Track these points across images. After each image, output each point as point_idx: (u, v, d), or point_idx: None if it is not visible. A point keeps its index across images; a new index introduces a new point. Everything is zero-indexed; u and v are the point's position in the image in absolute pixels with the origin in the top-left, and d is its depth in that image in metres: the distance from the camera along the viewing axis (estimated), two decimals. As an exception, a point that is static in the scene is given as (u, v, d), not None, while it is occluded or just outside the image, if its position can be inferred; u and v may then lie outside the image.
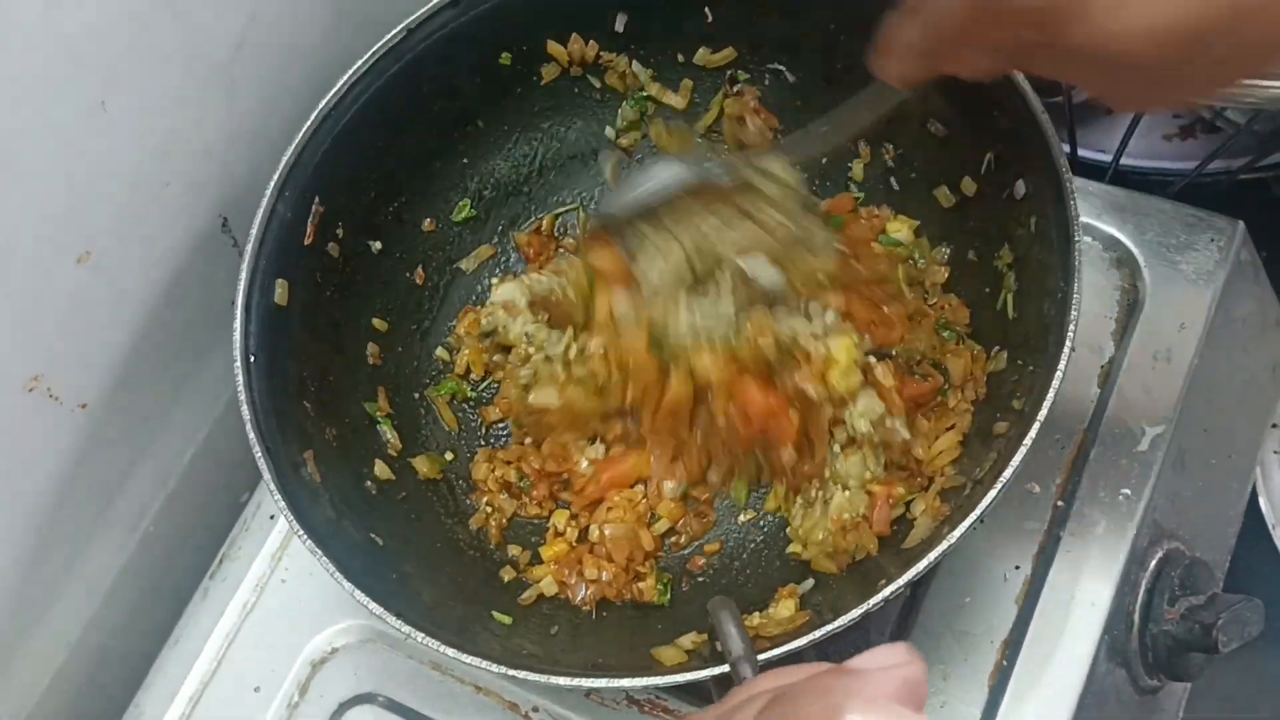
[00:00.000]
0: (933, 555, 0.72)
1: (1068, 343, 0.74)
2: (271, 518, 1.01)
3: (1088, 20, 0.55)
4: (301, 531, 0.78)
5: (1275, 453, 1.10)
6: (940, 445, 0.85)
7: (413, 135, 0.96)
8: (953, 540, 0.72)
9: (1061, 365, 0.74)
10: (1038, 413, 0.74)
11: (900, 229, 0.95)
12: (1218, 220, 0.95)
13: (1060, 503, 0.89)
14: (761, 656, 0.71)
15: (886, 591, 0.72)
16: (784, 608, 0.81)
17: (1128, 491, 0.88)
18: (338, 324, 0.93)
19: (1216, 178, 1.10)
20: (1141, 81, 0.59)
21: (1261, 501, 1.09)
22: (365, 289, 0.96)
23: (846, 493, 0.85)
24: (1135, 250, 0.95)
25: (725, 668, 0.70)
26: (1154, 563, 0.89)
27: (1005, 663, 0.85)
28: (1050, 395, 0.74)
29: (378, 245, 0.96)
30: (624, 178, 0.91)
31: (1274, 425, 1.11)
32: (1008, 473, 0.73)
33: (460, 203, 1.02)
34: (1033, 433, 0.73)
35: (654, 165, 0.86)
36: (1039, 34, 0.58)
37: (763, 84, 0.99)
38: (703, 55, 0.99)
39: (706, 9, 0.97)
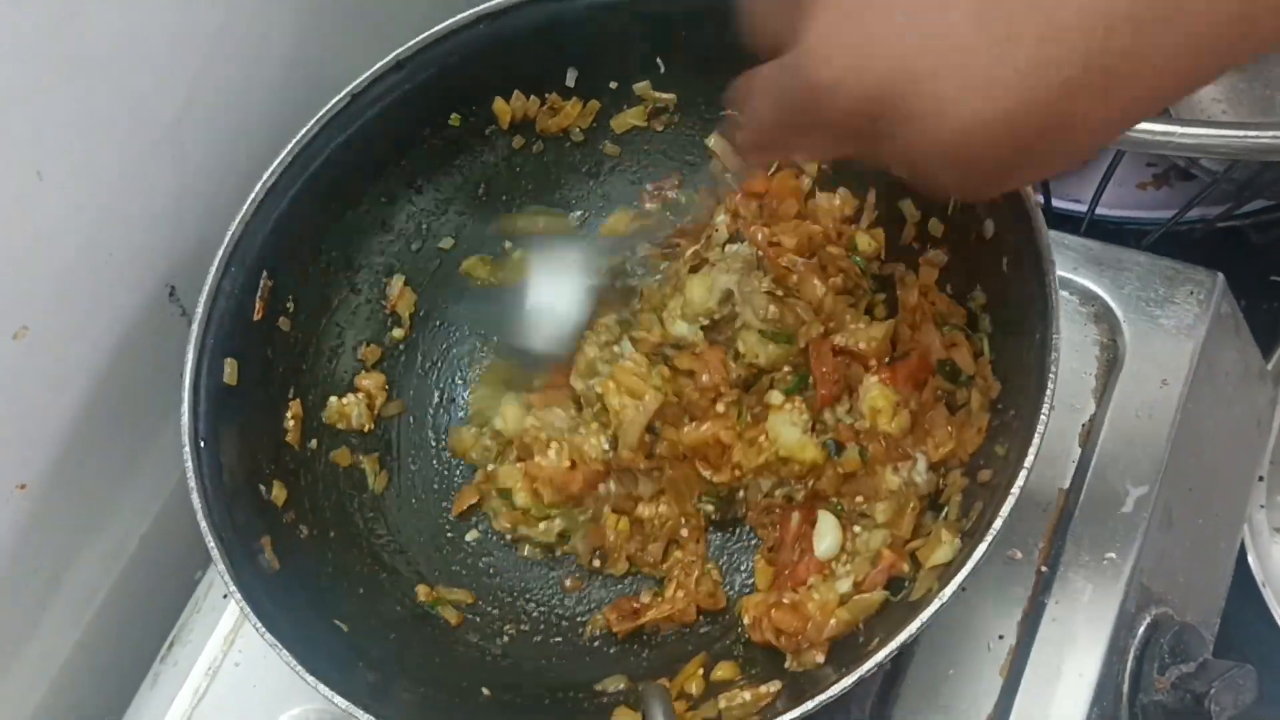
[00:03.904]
0: (926, 614, 0.69)
1: (1050, 384, 0.71)
2: (225, 597, 0.96)
3: (930, 110, 0.53)
4: (260, 625, 0.74)
5: (1262, 507, 1.08)
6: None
7: (364, 201, 0.94)
8: (944, 598, 0.69)
9: (1045, 410, 0.71)
10: (1023, 459, 0.70)
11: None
12: (1197, 273, 0.93)
13: (1044, 568, 0.86)
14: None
15: (878, 657, 0.69)
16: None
17: (1113, 555, 0.85)
18: (292, 400, 0.90)
19: (1193, 226, 1.09)
20: (974, 174, 0.56)
21: (1250, 559, 1.05)
22: (320, 362, 0.93)
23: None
24: (1114, 304, 0.93)
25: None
26: (1142, 629, 0.86)
27: (992, 739, 0.82)
28: (1036, 440, 0.70)
29: (331, 317, 0.94)
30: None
31: (1260, 478, 1.09)
32: (997, 524, 0.69)
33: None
34: (1021, 480, 0.70)
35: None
36: (868, 131, 0.56)
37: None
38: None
39: (659, 60, 0.95)
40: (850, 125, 0.56)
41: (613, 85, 0.97)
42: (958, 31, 0.51)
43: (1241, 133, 0.84)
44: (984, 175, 0.56)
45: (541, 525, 0.92)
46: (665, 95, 0.97)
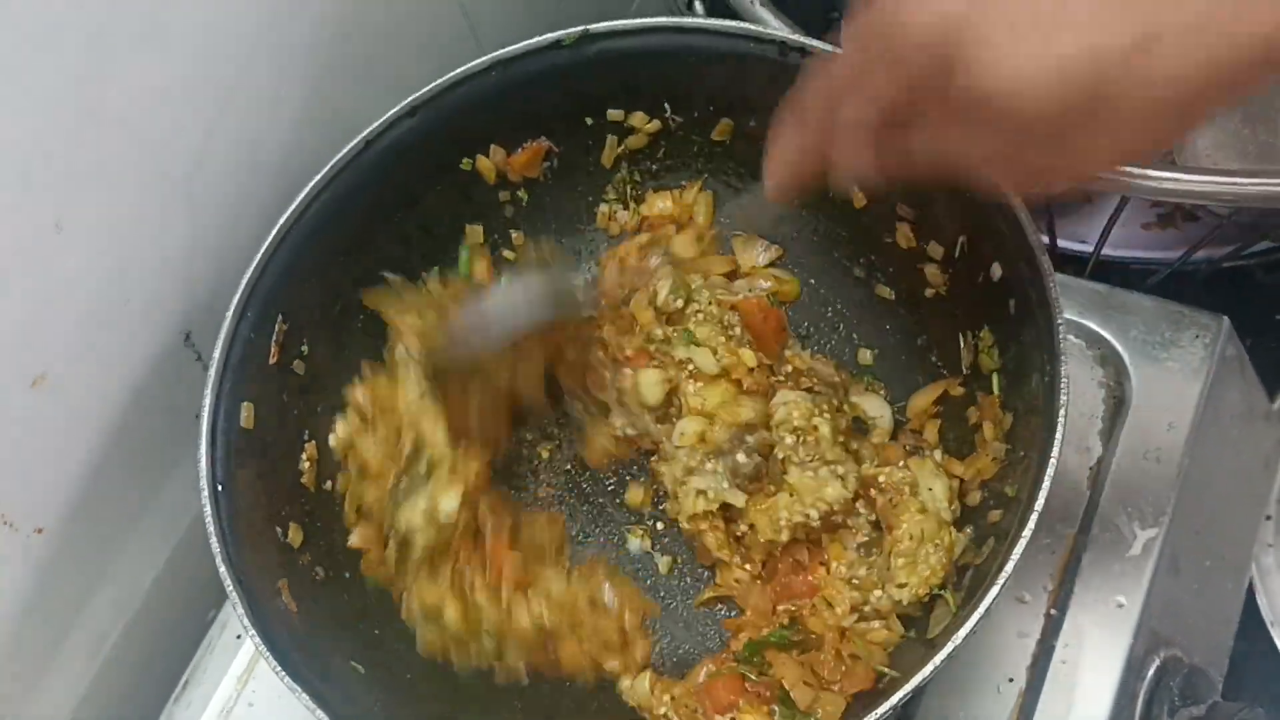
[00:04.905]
0: (940, 656, 0.70)
1: (1059, 426, 0.73)
2: (238, 637, 0.97)
3: (986, 50, 0.52)
4: (281, 669, 0.75)
5: (1270, 546, 1.08)
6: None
7: (376, 245, 0.94)
8: (958, 640, 0.70)
9: (1055, 453, 0.72)
10: (1034, 500, 0.72)
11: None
12: (1202, 316, 0.94)
13: (1053, 611, 0.86)
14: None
15: (892, 701, 0.70)
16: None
17: (1121, 598, 0.86)
18: (307, 443, 0.90)
19: (1198, 266, 1.09)
20: (1039, 141, 0.54)
21: (1259, 599, 1.06)
22: (334, 405, 0.93)
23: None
24: (1120, 348, 0.93)
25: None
26: (1151, 672, 0.86)
27: (1002, 784, 0.82)
28: (1046, 482, 0.72)
29: (345, 360, 0.93)
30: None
31: (1268, 518, 1.09)
32: (1009, 566, 0.71)
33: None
34: (1033, 522, 0.71)
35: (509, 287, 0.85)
36: (933, 76, 0.54)
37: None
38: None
39: (666, 104, 0.96)
40: (916, 65, 0.55)
41: (625, 127, 0.98)
42: None
43: (1248, 181, 0.84)
44: (1031, 146, 0.54)
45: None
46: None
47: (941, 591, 0.80)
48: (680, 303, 0.93)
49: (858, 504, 0.86)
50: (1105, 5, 0.50)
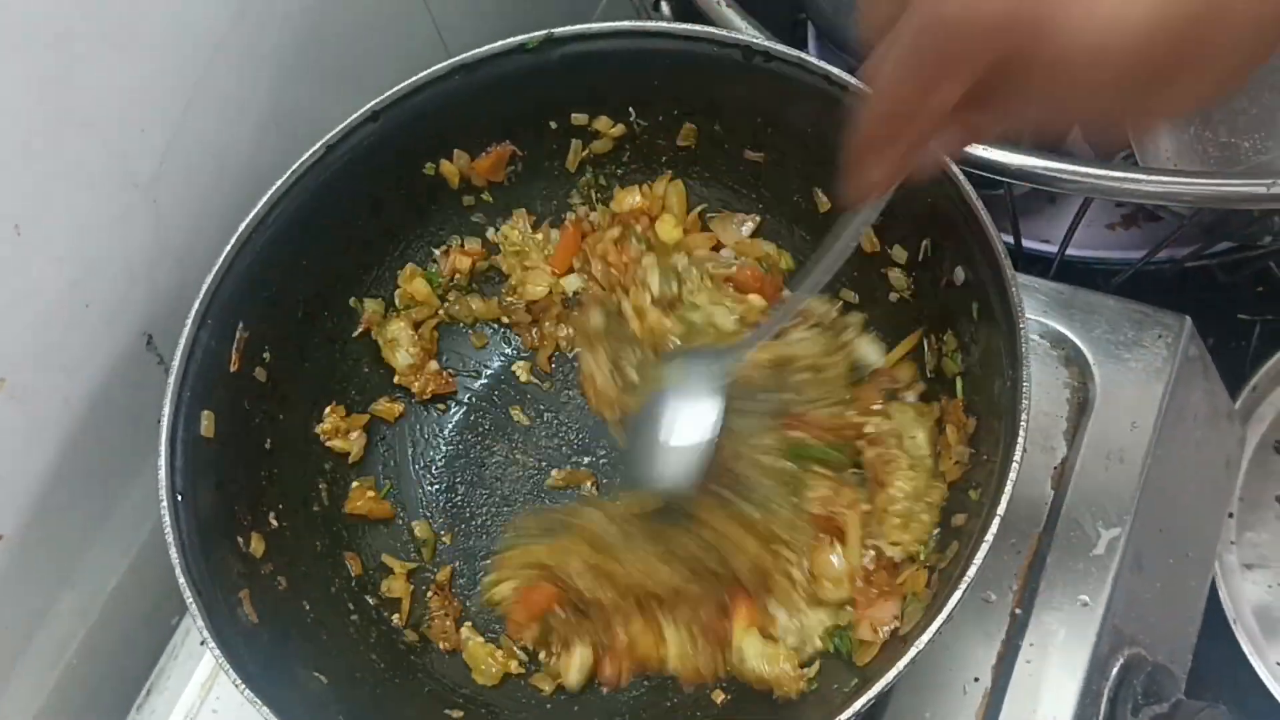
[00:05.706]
0: (904, 661, 0.69)
1: (1021, 429, 0.73)
2: (202, 644, 0.96)
3: (1052, 39, 0.49)
4: (240, 681, 0.74)
5: (1232, 543, 1.09)
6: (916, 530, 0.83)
7: (339, 253, 0.94)
8: (920, 646, 0.70)
9: (1017, 457, 0.72)
10: (997, 504, 0.72)
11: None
12: (1165, 316, 0.94)
13: (1018, 611, 0.87)
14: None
15: (859, 704, 0.70)
16: None
17: (1085, 597, 0.86)
18: (270, 451, 0.90)
19: (1161, 266, 1.10)
20: (1130, 89, 0.52)
21: (1222, 596, 1.07)
22: (297, 412, 0.93)
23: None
24: (1084, 348, 0.94)
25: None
26: (1115, 670, 0.87)
27: (968, 783, 0.82)
28: (1008, 487, 0.72)
29: (307, 367, 0.93)
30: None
31: (1230, 516, 1.10)
32: (972, 570, 0.70)
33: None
34: (993, 528, 0.71)
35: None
36: (1014, 51, 0.51)
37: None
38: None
39: (631, 109, 0.96)
40: (986, 57, 0.52)
41: (590, 132, 0.98)
42: None
43: (1208, 181, 0.85)
44: (1127, 91, 0.51)
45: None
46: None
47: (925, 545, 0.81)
48: (675, 287, 0.93)
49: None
50: None
